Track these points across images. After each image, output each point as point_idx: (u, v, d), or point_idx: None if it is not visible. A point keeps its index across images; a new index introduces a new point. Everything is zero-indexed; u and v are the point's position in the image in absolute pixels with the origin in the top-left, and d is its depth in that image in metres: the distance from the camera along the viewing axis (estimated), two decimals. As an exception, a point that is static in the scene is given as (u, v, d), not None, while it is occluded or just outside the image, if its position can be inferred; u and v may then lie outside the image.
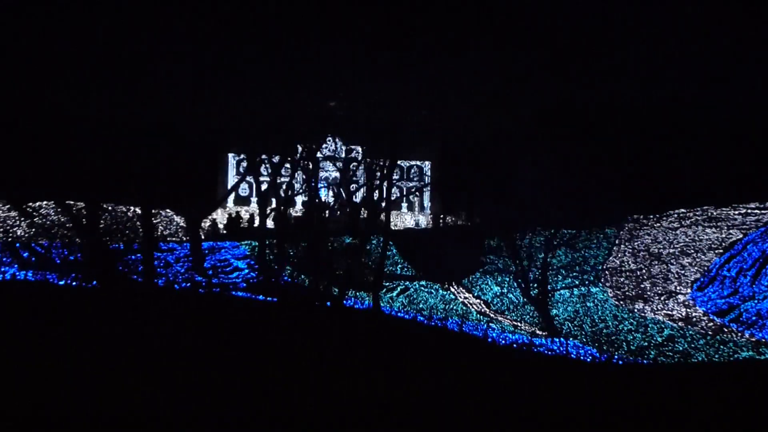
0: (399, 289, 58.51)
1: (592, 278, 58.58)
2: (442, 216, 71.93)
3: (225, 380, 19.42)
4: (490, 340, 35.32)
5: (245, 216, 65.71)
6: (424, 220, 75.59)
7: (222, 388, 18.68)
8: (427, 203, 78.07)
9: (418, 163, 77.39)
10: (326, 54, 55.53)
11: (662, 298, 55.17)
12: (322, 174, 68.61)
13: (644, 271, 58.27)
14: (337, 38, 56.10)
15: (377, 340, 28.61)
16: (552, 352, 34.94)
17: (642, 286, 57.01)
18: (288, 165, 62.04)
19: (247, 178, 68.26)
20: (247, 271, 54.35)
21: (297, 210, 69.68)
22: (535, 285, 55.65)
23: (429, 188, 76.58)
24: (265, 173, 63.07)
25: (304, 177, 62.16)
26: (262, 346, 24.86)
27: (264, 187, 58.87)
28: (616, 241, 62.02)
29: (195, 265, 53.05)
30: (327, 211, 64.91)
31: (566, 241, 58.08)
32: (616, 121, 57.45)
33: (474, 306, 57.65)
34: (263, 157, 59.55)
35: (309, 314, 37.69)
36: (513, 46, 53.72)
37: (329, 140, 67.26)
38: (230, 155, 74.80)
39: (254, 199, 73.98)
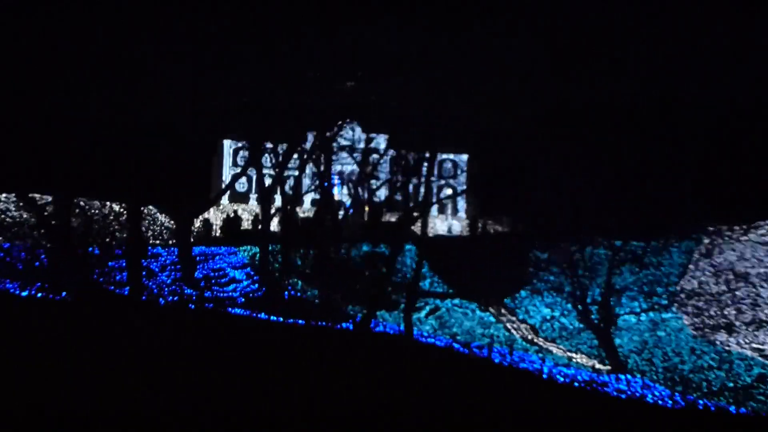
0: (428, 308, 58.46)
1: (664, 302, 58.07)
2: (480, 221, 71.55)
3: (219, 418, 19.29)
4: (546, 375, 34.86)
5: (245, 216, 65.28)
6: (458, 226, 75.31)
7: (217, 428, 18.30)
8: (462, 205, 77.72)
9: (452, 156, 77.12)
10: (344, 22, 55.44)
11: (750, 329, 54.60)
12: (337, 167, 68.10)
13: (728, 294, 57.61)
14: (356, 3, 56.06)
15: (408, 372, 28.27)
16: (621, 393, 34.42)
17: (725, 312, 56.46)
18: (296, 155, 62.22)
19: (247, 171, 67.47)
20: (246, 283, 54.48)
21: (306, 210, 69.60)
22: (595, 308, 55.21)
23: (466, 187, 76.30)
24: (269, 165, 63.11)
25: (315, 170, 62.40)
26: (265, 375, 24.73)
27: (267, 181, 58.69)
28: (695, 257, 61.29)
29: (184, 274, 53.11)
30: (342, 212, 65.43)
31: (634, 255, 57.50)
32: (696, 114, 56.91)
33: (519, 331, 57.54)
34: (267, 145, 59.54)
35: (322, 338, 37.79)
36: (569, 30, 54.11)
37: (346, 126, 66.75)
38: (226, 142, 74.82)
39: (254, 196, 74.18)
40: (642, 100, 55.64)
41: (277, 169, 58.85)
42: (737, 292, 57.68)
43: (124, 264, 49.92)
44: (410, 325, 51.11)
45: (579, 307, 55.10)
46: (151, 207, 64.11)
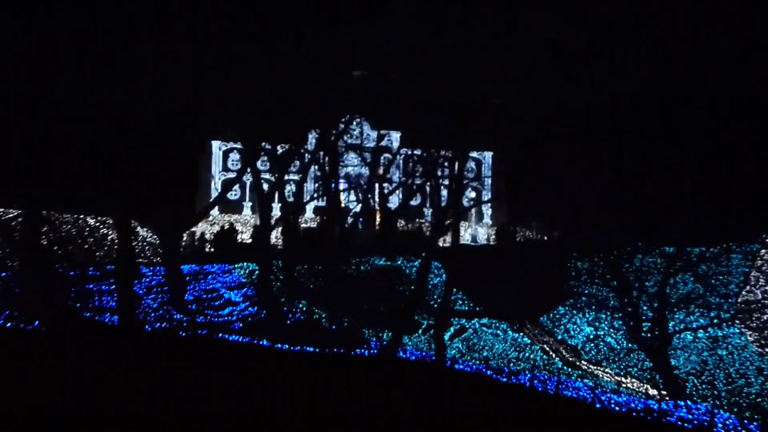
0: (452, 329, 58.44)
1: (725, 315, 57.87)
2: (509, 227, 71.16)
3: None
4: (599, 404, 34.26)
5: (239, 228, 65.19)
6: (483, 233, 74.95)
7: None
8: (488, 209, 77.48)
9: (475, 154, 76.95)
10: (347, 13, 55.59)
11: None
12: (343, 170, 67.88)
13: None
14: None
15: (444, 404, 27.95)
16: (685, 422, 33.80)
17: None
18: (297, 157, 62.23)
19: (242, 176, 67.12)
20: (243, 305, 54.25)
21: (309, 219, 69.40)
22: (646, 325, 54.49)
23: (491, 189, 76.07)
24: (265, 168, 62.84)
25: (318, 174, 62.04)
26: (271, 410, 24.78)
27: (264, 188, 58.54)
28: (758, 263, 60.91)
29: (172, 297, 52.89)
30: (350, 221, 65.37)
31: (689, 263, 57.09)
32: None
33: (559, 354, 57.47)
34: (264, 146, 59.39)
35: (337, 366, 38.15)
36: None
37: (353, 123, 66.62)
38: (215, 143, 74.71)
39: (247, 205, 74.08)
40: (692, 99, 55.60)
41: (276, 174, 58.23)
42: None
43: (104, 287, 49.69)
44: (442, 351, 51.01)
45: (630, 323, 54.36)
46: (131, 219, 63.64)
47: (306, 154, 61.77)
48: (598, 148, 58.77)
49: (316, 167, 62.74)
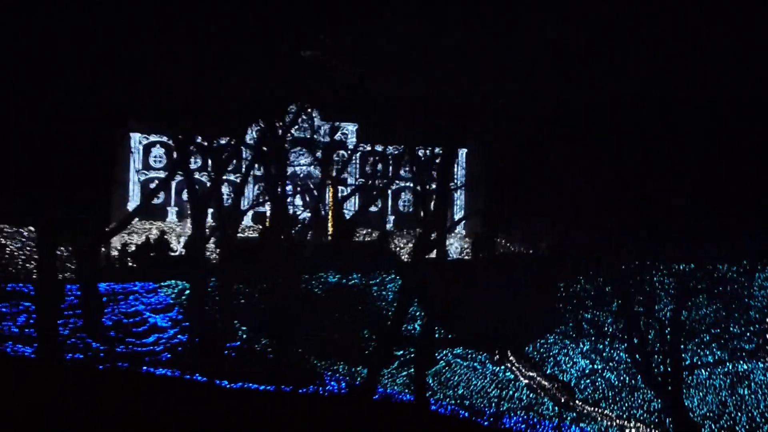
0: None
1: (747, 347, 57.90)
2: (487, 238, 70.90)
3: None
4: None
5: (174, 239, 64.62)
6: (455, 245, 74.69)
7: None
8: (459, 216, 76.96)
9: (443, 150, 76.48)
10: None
11: None
12: (291, 169, 67.93)
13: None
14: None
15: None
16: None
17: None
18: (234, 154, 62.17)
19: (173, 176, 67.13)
20: (172, 332, 54.10)
21: (247, 228, 68.80)
22: (655, 357, 54.43)
23: (464, 191, 75.84)
24: (196, 166, 63.23)
25: (261, 174, 62.31)
26: None
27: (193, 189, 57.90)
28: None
29: (87, 321, 52.39)
30: (299, 229, 64.79)
31: (711, 282, 57.20)
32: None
33: (548, 392, 57.22)
34: (195, 139, 58.97)
35: (287, 406, 38.98)
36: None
37: (302, 113, 66.02)
38: (135, 135, 73.80)
39: (173, 210, 73.26)
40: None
41: (212, 174, 58.48)
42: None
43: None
44: (424, 391, 51.56)
45: (636, 356, 54.49)
46: (29, 227, 63.36)
47: (246, 151, 61.60)
48: (598, 148, 58.90)
49: (259, 166, 62.44)
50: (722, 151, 58.54)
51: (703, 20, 54.34)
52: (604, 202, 56.93)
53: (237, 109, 58.46)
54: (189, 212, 66.94)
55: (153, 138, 73.56)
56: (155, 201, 72.58)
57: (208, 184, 62.69)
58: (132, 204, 71.03)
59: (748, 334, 58.73)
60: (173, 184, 71.68)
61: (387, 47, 58.97)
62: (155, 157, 73.84)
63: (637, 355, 54.43)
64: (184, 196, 70.05)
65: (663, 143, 56.76)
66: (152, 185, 70.80)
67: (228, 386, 45.27)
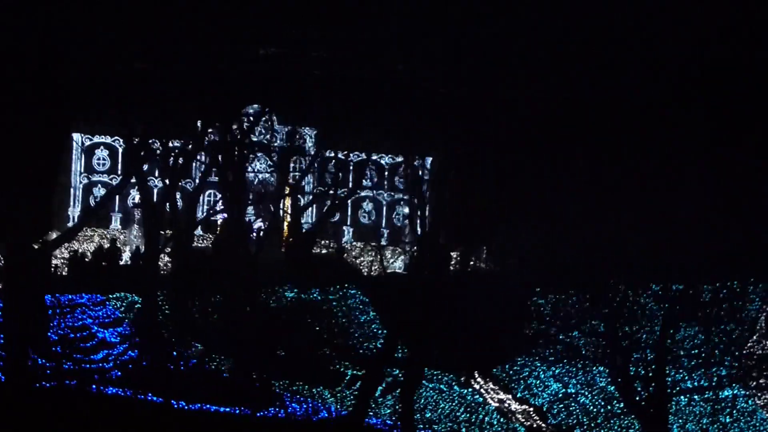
0: (384, 383, 57.55)
1: (728, 372, 57.44)
2: (454, 251, 70.20)
3: None
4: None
5: (112, 247, 63.48)
6: (420, 260, 73.78)
7: None
8: (419, 229, 76.23)
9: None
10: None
11: None
12: (247, 175, 67.29)
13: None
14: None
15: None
16: None
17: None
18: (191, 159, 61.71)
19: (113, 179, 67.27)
20: (122, 347, 53.72)
21: (202, 237, 68.05)
22: (635, 382, 54.18)
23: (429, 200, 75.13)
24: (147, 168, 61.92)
25: (218, 179, 61.60)
26: None
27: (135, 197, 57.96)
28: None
29: (31, 337, 51.03)
30: (254, 240, 64.63)
31: (697, 303, 56.80)
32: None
33: (519, 416, 57.26)
34: (149, 142, 58.26)
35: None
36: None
37: (259, 116, 65.63)
38: (77, 135, 72.87)
39: (117, 216, 72.18)
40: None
41: (166, 179, 58.02)
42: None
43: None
44: (411, 420, 51.85)
45: (615, 379, 54.23)
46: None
47: (202, 155, 61.28)
48: (568, 157, 58.65)
49: (214, 172, 62.29)
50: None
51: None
52: (581, 214, 56.66)
53: (191, 110, 58.12)
54: (136, 219, 66.61)
55: (97, 139, 72.44)
56: (95, 206, 71.97)
57: (159, 191, 62.54)
58: (73, 210, 70.83)
59: (730, 359, 58.45)
60: (114, 189, 70.94)
61: (349, 49, 58.93)
62: (99, 159, 72.58)
63: (618, 379, 54.11)
64: (129, 202, 69.72)
65: (631, 153, 56.80)
66: (96, 189, 70.04)
67: (185, 407, 45.09)
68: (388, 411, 55.85)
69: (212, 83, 57.14)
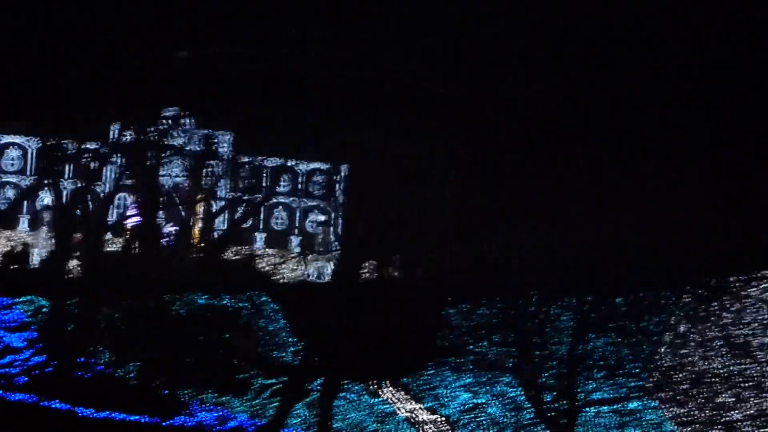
0: (295, 393, 57.43)
1: (634, 383, 57.86)
2: (364, 261, 70.42)
3: None
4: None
5: (18, 249, 63.16)
6: (329, 268, 74.01)
7: None
8: (333, 236, 76.39)
9: (324, 165, 75.88)
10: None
11: (758, 423, 54.87)
12: (161, 179, 66.65)
13: (726, 372, 57.49)
14: None
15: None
16: None
17: (721, 400, 56.45)
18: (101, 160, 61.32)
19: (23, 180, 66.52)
20: (28, 353, 53.16)
21: (112, 241, 67.51)
22: (544, 392, 55.11)
23: (341, 210, 75.21)
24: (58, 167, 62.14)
25: (131, 182, 61.85)
26: None
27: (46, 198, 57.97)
28: (681, 320, 60.54)
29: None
30: (166, 245, 64.80)
31: (602, 316, 57.61)
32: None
33: (428, 426, 57.29)
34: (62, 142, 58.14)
35: None
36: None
37: (173, 119, 65.27)
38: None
39: (25, 218, 71.50)
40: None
41: (79, 180, 57.97)
42: (741, 370, 57.71)
43: None
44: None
45: (524, 390, 55.20)
46: None
47: (115, 157, 60.47)
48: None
49: (127, 175, 62.05)
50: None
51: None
52: (496, 220, 57.33)
53: (106, 111, 57.91)
54: (46, 221, 66.02)
55: (8, 139, 71.70)
56: (2, 206, 71.20)
57: (70, 193, 61.91)
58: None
59: (639, 370, 58.92)
60: (24, 190, 70.20)
61: (275, 55, 58.98)
62: (10, 159, 71.76)
63: (528, 390, 54.55)
64: (38, 203, 69.02)
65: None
66: (6, 191, 69.44)
67: (92, 414, 44.70)
68: (298, 420, 55.61)
69: (129, 84, 57.21)
